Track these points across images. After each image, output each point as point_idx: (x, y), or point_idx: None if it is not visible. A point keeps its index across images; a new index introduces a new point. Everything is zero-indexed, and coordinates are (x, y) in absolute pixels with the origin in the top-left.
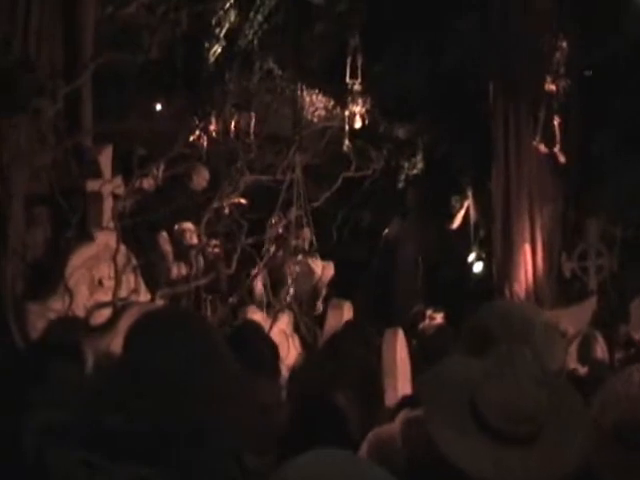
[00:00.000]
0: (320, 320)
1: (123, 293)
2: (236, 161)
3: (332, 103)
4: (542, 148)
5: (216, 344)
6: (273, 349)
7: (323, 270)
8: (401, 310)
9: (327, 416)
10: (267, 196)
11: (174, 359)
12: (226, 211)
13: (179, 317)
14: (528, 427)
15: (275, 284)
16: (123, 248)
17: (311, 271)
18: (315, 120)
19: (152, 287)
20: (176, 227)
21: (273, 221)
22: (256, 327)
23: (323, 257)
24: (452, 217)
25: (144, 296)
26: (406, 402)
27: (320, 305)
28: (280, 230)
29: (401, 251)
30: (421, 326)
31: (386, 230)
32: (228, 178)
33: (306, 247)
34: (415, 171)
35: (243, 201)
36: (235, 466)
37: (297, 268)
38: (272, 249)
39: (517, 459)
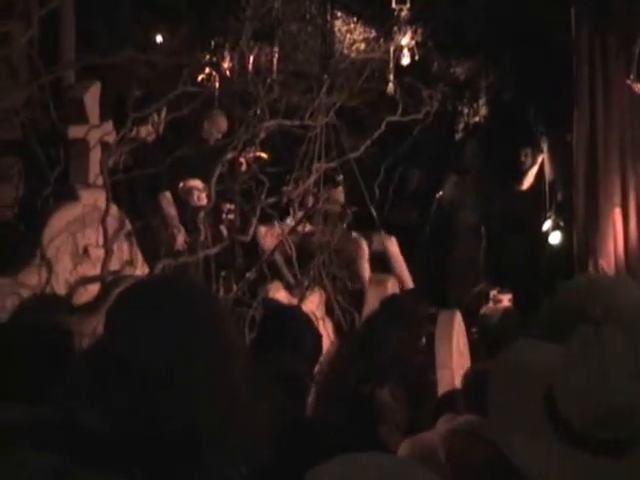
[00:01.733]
0: (358, 300)
1: (114, 265)
2: (254, 104)
3: (373, 34)
4: (637, 88)
5: (222, 325)
6: (317, 339)
7: (386, 245)
8: (459, 290)
9: (364, 417)
10: (293, 146)
11: (165, 344)
12: (242, 166)
13: (174, 289)
14: (619, 432)
15: (303, 255)
16: (114, 210)
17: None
18: (352, 55)
19: (151, 258)
20: (181, 185)
21: (299, 178)
22: (296, 312)
23: (360, 222)
24: (522, 176)
25: (141, 269)
26: (447, 400)
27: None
28: (309, 189)
29: (459, 217)
30: (484, 309)
31: (440, 191)
32: (244, 124)
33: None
34: (476, 119)
35: (263, 155)
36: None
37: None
38: (299, 212)
39: (604, 473)
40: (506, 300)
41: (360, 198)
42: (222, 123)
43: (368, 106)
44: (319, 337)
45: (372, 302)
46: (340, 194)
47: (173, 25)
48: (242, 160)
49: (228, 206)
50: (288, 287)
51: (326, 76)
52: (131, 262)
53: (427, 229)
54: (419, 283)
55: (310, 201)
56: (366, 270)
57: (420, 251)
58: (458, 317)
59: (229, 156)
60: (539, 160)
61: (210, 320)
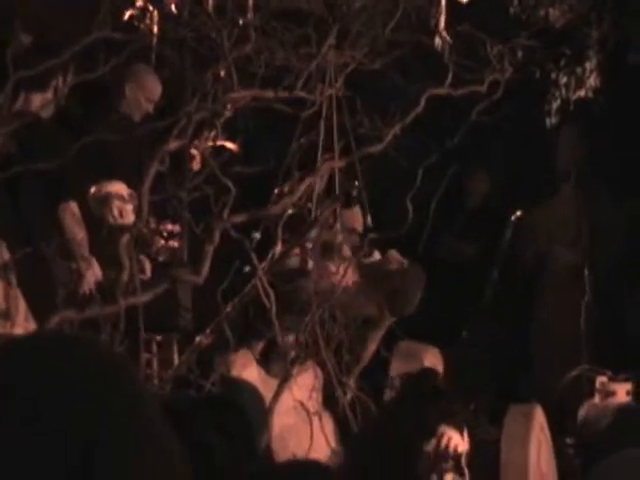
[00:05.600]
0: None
1: None
2: (215, 62)
3: None
4: None
5: (148, 426)
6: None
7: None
8: (545, 373)
9: None
10: (276, 133)
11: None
12: (195, 162)
13: (70, 358)
14: None
15: (288, 309)
16: None
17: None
18: None
19: (40, 307)
20: (93, 190)
21: (285, 184)
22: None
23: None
24: None
25: (23, 325)
26: None
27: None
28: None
29: (548, 255)
30: (585, 407)
31: (518, 211)
32: (198, 95)
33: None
34: (581, 93)
35: (230, 145)
36: None
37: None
38: (281, 239)
39: None
40: (622, 392)
41: (383, 217)
42: (153, 86)
43: (399, 71)
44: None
45: (397, 386)
46: (356, 216)
47: None
48: (194, 153)
49: (169, 226)
50: (263, 360)
51: (332, 19)
52: (6, 313)
53: (494, 273)
54: (474, 354)
55: (305, 221)
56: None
57: (481, 309)
58: (539, 417)
59: (172, 146)
60: None
61: (128, 417)
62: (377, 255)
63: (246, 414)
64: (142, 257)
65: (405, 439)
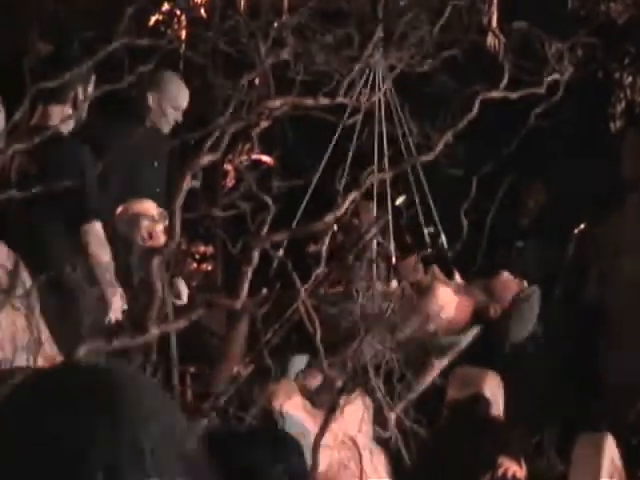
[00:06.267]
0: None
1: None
2: (249, 68)
3: None
4: None
5: (184, 457)
6: None
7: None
8: (616, 401)
9: None
10: (317, 144)
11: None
12: (230, 178)
13: (97, 389)
14: None
15: (333, 336)
16: (2, 250)
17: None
18: None
19: (65, 337)
20: (120, 210)
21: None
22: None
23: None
24: None
25: (48, 356)
26: None
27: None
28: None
29: (618, 272)
30: None
31: (582, 224)
32: (232, 104)
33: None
34: None
35: (266, 158)
36: None
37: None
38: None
39: None
40: None
41: (433, 233)
42: (178, 93)
43: (450, 73)
44: None
45: (453, 416)
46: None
47: None
48: (229, 168)
49: (202, 248)
50: (310, 392)
51: (376, 19)
52: (29, 343)
53: (556, 292)
54: (538, 382)
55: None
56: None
57: (544, 333)
58: (611, 447)
59: (205, 160)
60: None
61: (164, 451)
62: (458, 278)
63: (301, 448)
64: (178, 280)
65: (460, 470)
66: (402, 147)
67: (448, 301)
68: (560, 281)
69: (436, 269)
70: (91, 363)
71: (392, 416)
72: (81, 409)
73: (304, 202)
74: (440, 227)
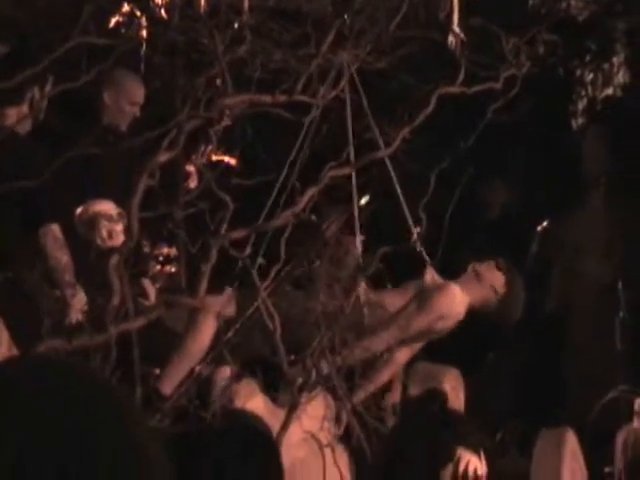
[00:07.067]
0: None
1: None
2: (209, 66)
3: None
4: None
5: (139, 461)
6: None
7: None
8: (577, 396)
9: None
10: (278, 143)
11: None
12: (191, 178)
13: (51, 384)
14: None
15: (294, 333)
16: None
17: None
18: None
19: (24, 337)
20: (79, 210)
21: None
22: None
23: (396, 269)
24: None
25: (7, 356)
26: None
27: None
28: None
29: (579, 270)
30: (623, 432)
31: (543, 222)
32: (190, 101)
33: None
34: (609, 91)
35: (227, 159)
36: None
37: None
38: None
39: None
40: None
41: (394, 228)
42: (134, 88)
43: (407, 69)
44: None
45: (411, 411)
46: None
47: None
48: (190, 170)
49: (165, 250)
50: (270, 390)
51: (333, 16)
52: None
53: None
54: (504, 384)
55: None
56: (405, 354)
57: (506, 332)
58: (572, 443)
59: (162, 158)
60: None
61: (116, 452)
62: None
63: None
64: (145, 281)
65: (420, 464)
66: (361, 143)
67: (461, 300)
68: (531, 265)
69: (431, 269)
70: (47, 357)
71: (352, 413)
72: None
73: (270, 199)
74: (412, 223)
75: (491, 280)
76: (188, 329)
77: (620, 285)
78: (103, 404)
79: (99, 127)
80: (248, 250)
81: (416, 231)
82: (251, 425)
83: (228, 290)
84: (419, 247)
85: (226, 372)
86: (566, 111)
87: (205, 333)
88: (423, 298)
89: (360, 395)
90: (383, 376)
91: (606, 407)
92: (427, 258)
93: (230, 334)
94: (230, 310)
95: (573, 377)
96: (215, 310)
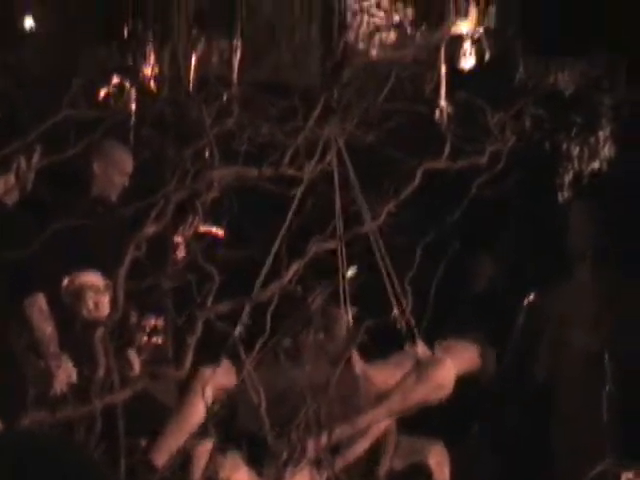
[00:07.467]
0: None
1: None
2: (197, 138)
3: (410, 11)
4: None
5: None
6: None
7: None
8: (565, 468)
9: None
10: (262, 215)
11: None
12: (178, 250)
13: (34, 460)
14: None
15: (280, 405)
16: None
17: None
18: (369, 49)
19: (8, 409)
20: (66, 282)
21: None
22: None
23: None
24: None
25: None
26: None
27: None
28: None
29: (566, 344)
30: None
31: (530, 296)
32: (178, 173)
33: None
34: (595, 164)
35: (215, 230)
36: None
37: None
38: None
39: None
40: None
41: (381, 302)
42: (123, 159)
43: (394, 143)
44: None
45: None
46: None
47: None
48: (178, 240)
49: (152, 321)
50: (253, 462)
51: (321, 90)
52: None
53: (506, 362)
54: (490, 457)
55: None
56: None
57: (494, 401)
58: None
59: (150, 230)
60: None
61: None
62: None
63: None
64: (130, 352)
65: None
66: (347, 217)
67: (454, 372)
68: (509, 353)
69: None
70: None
71: None
72: None
73: (264, 271)
74: (396, 297)
75: (461, 353)
76: (184, 400)
77: (607, 357)
78: None
79: (88, 198)
80: (239, 326)
81: (398, 306)
82: None
83: (225, 361)
84: (400, 323)
85: (208, 445)
86: (552, 185)
87: (201, 404)
88: (421, 370)
89: (339, 464)
90: (364, 444)
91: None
92: (416, 332)
93: (216, 407)
94: (230, 380)
95: (561, 447)
96: (215, 381)
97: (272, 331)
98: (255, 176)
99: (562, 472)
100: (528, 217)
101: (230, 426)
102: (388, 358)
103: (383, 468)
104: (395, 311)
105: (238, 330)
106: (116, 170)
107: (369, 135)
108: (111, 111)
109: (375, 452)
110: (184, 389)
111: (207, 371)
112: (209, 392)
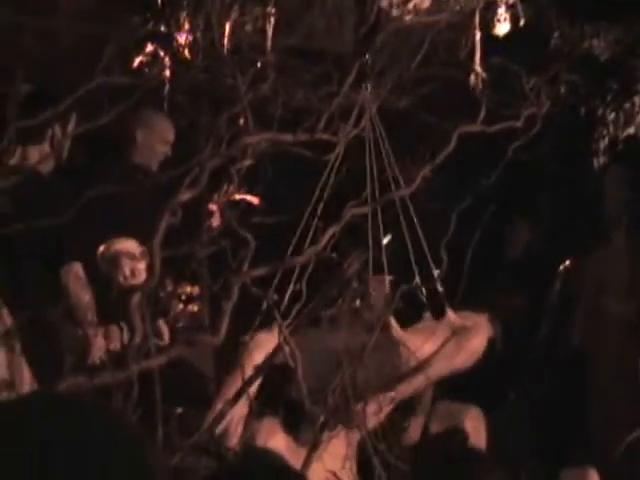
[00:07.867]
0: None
1: None
2: (231, 104)
3: None
4: None
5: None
6: None
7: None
8: (601, 435)
9: None
10: (300, 182)
11: None
12: (213, 217)
13: (72, 422)
14: None
15: (315, 371)
16: None
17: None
18: (403, 14)
19: (46, 375)
20: (101, 249)
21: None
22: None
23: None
24: None
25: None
26: None
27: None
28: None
29: (602, 311)
30: None
31: (566, 261)
32: (212, 140)
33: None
34: (630, 130)
35: (250, 197)
36: None
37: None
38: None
39: None
40: None
41: (415, 266)
42: (165, 128)
43: (428, 108)
44: None
45: (430, 450)
46: (383, 284)
47: None
48: (213, 209)
49: (188, 289)
50: (289, 427)
51: (354, 56)
52: (10, 382)
53: (543, 330)
54: (526, 424)
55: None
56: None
57: (529, 372)
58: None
59: (184, 196)
60: None
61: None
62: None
63: None
64: (160, 322)
65: None
66: (382, 182)
67: (485, 342)
68: (545, 320)
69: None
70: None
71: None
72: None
73: (295, 237)
74: (432, 264)
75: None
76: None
77: None
78: (118, 444)
79: (129, 165)
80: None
81: (437, 272)
82: (278, 464)
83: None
84: (439, 287)
85: (244, 410)
86: (587, 150)
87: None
88: (460, 337)
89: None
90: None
91: (630, 447)
92: (445, 299)
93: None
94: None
95: (596, 416)
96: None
97: (308, 297)
98: (290, 141)
99: (598, 439)
100: (563, 182)
101: (267, 391)
102: (414, 326)
103: (416, 429)
104: (417, 279)
105: (271, 295)
106: (158, 139)
107: (403, 100)
108: (145, 78)
109: (408, 413)
110: (230, 355)
111: (264, 336)
112: (259, 357)
